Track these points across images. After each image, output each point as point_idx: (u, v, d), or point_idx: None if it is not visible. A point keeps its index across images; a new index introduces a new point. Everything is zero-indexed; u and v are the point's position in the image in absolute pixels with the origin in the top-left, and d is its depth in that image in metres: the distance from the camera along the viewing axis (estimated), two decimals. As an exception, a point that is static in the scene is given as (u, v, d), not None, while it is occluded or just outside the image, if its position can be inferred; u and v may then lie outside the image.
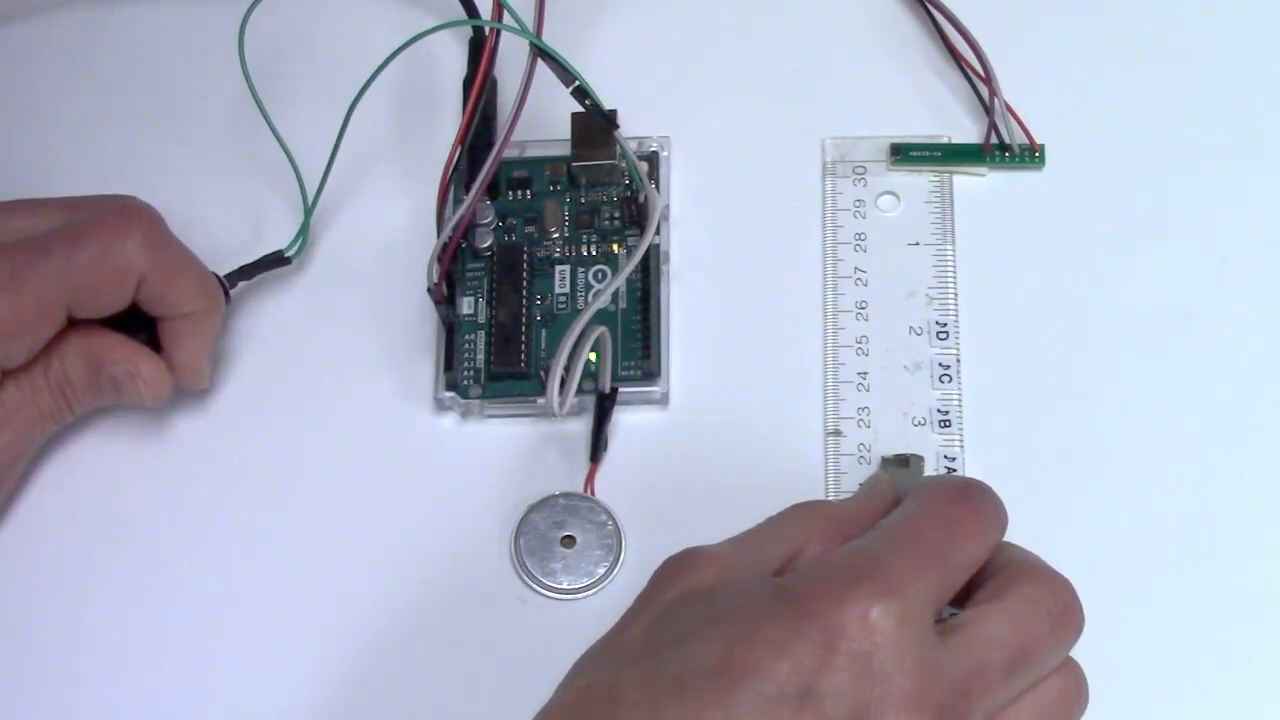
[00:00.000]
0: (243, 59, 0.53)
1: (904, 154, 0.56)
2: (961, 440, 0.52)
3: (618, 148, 0.53)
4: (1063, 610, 0.42)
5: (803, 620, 0.39)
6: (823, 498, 0.52)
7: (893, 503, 0.46)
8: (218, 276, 0.52)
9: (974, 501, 0.43)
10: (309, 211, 0.54)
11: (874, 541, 0.42)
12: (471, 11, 0.57)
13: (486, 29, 0.52)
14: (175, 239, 0.51)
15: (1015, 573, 0.42)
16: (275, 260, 0.54)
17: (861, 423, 0.53)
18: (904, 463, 0.51)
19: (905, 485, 0.46)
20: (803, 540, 0.44)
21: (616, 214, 0.55)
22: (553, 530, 0.51)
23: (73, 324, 0.50)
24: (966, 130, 0.57)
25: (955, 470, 0.52)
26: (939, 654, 0.40)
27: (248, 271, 0.54)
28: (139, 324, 0.51)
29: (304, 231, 0.55)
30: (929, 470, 0.51)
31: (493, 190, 0.55)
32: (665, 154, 0.56)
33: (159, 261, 0.50)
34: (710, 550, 0.43)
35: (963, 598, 0.43)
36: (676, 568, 0.43)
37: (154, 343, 0.51)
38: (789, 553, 0.44)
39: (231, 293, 0.53)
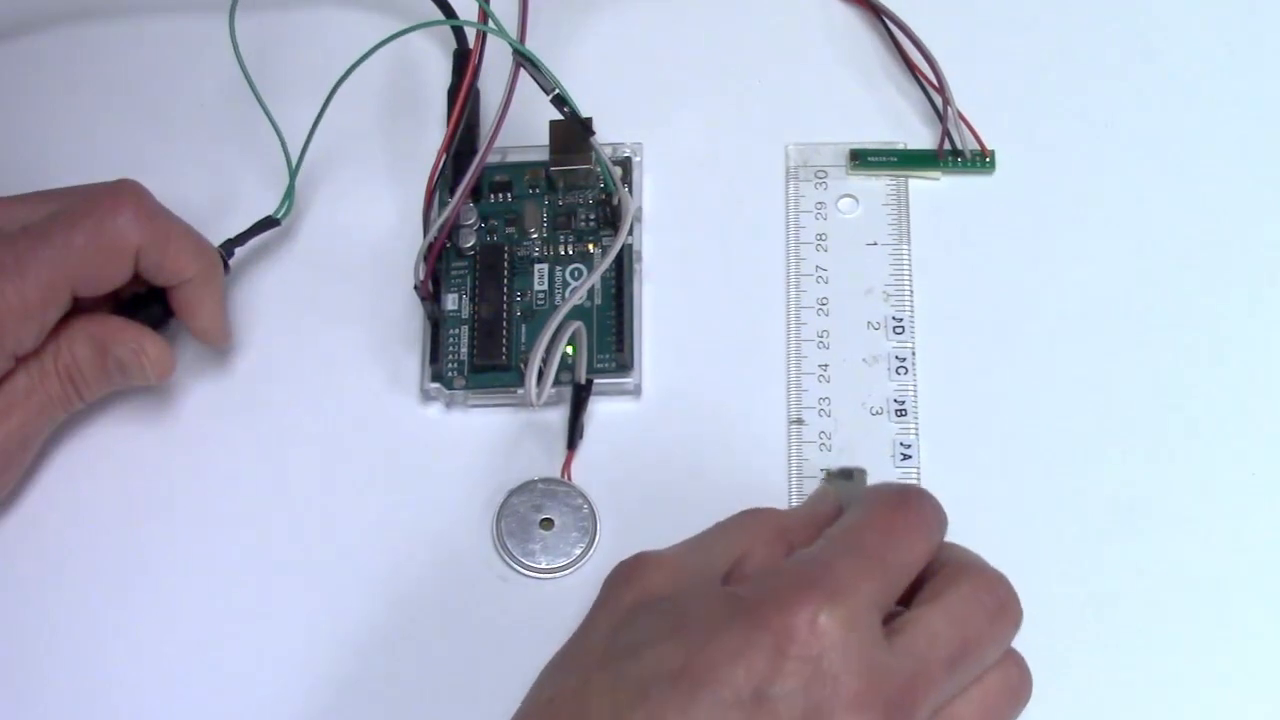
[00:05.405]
0: (238, 54, 0.53)
1: (862, 159, 0.57)
2: (916, 428, 0.53)
3: (593, 153, 0.54)
4: (999, 606, 0.42)
5: (755, 628, 0.40)
6: (784, 483, 0.52)
7: (836, 512, 0.45)
8: (216, 248, 0.53)
9: (913, 506, 0.43)
10: (293, 175, 0.55)
11: (820, 549, 0.42)
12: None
13: (471, 41, 0.52)
14: (165, 210, 0.51)
15: (953, 572, 0.43)
16: (265, 224, 0.55)
17: (822, 412, 0.53)
18: (848, 475, 0.49)
19: (849, 496, 0.46)
20: (748, 545, 0.44)
21: (592, 216, 0.56)
22: (532, 513, 0.52)
23: (79, 310, 0.51)
24: (921, 137, 0.58)
25: (910, 456, 0.53)
26: (885, 654, 0.40)
27: (241, 239, 0.54)
28: (152, 303, 0.52)
29: (290, 195, 0.55)
30: (872, 480, 0.50)
31: (475, 193, 0.56)
32: (638, 159, 0.57)
33: (152, 231, 0.50)
34: (659, 555, 0.44)
35: (908, 598, 0.43)
36: (628, 573, 0.43)
37: (166, 319, 0.53)
38: (735, 557, 0.44)
39: (230, 262, 0.54)
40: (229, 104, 0.58)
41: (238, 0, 0.53)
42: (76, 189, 0.52)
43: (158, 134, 0.59)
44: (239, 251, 0.55)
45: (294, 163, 0.55)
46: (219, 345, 0.54)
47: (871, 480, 0.47)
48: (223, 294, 0.53)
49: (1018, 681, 0.43)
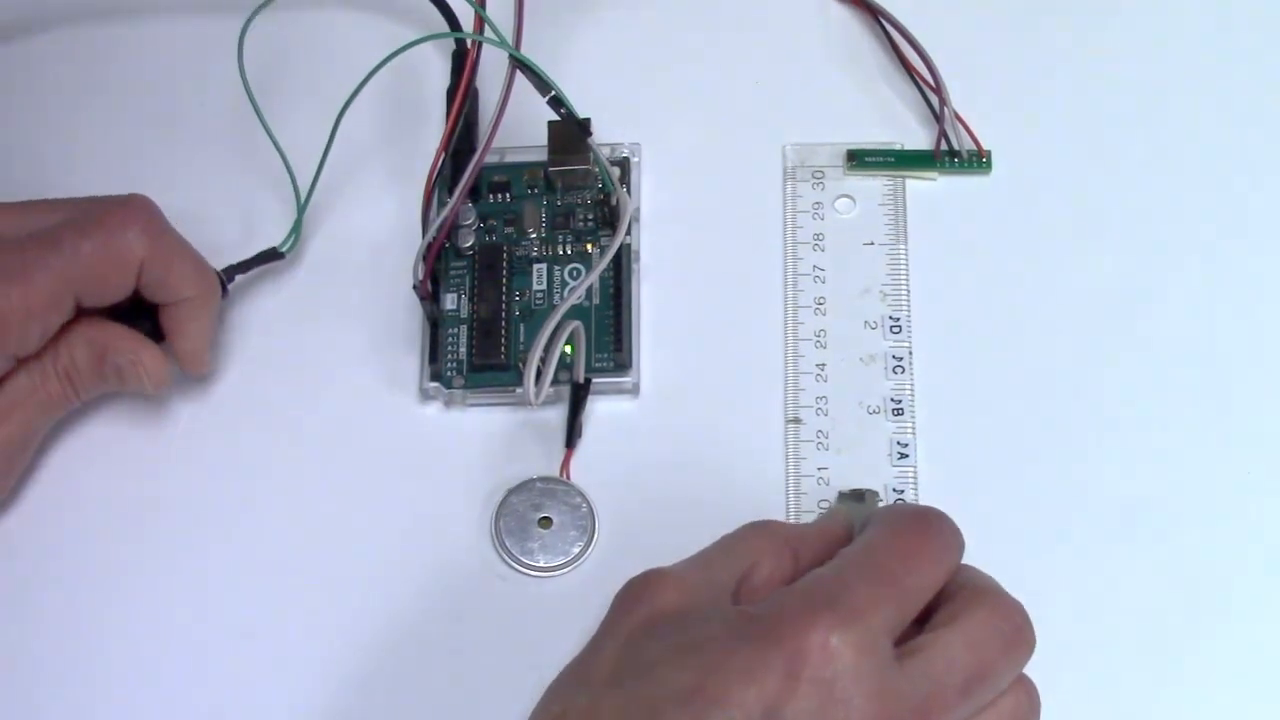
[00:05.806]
0: (242, 70, 0.54)
1: (860, 159, 0.57)
2: (913, 427, 0.53)
3: (591, 154, 0.54)
4: (1014, 632, 0.42)
5: (768, 649, 0.39)
6: (782, 482, 0.53)
7: (846, 532, 0.45)
8: (217, 272, 0.53)
9: (930, 529, 0.43)
10: (301, 210, 0.55)
11: (834, 570, 0.42)
12: (455, 26, 0.57)
13: (469, 42, 0.52)
14: (172, 229, 0.52)
15: (970, 596, 0.42)
16: (269, 255, 0.55)
17: (820, 411, 0.54)
18: (859, 497, 0.50)
19: (860, 517, 0.46)
20: (755, 557, 0.44)
21: (590, 216, 0.56)
22: (531, 512, 0.52)
23: (81, 316, 0.51)
24: (918, 137, 0.58)
25: (907, 455, 0.53)
26: (898, 678, 0.40)
27: (244, 266, 0.55)
28: (143, 318, 0.52)
29: (297, 229, 0.55)
30: (883, 502, 0.52)
31: (474, 193, 0.56)
32: (636, 160, 0.57)
33: (158, 248, 0.51)
34: (667, 572, 0.43)
35: (923, 619, 0.42)
36: (637, 591, 0.43)
37: (156, 336, 0.52)
38: (742, 570, 0.43)
39: (230, 287, 0.54)
40: (232, 110, 0.57)
41: (247, 28, 0.54)
42: (87, 200, 0.52)
43: (163, 144, 0.59)
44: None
45: (302, 198, 0.55)
46: (196, 371, 0.53)
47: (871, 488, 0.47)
48: (215, 320, 0.53)
49: (1027, 709, 0.43)
